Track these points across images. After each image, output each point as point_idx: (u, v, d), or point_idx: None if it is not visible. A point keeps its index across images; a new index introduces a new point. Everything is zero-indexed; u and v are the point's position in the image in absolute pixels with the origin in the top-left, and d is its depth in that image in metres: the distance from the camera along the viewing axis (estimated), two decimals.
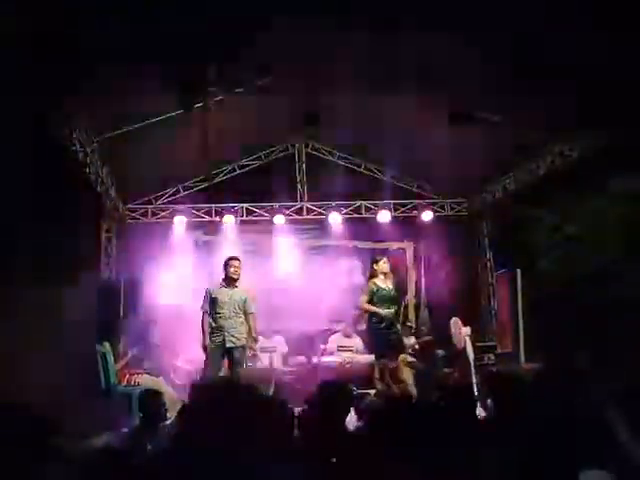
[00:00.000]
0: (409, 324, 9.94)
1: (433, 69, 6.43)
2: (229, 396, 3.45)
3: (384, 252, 10.71)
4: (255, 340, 7.48)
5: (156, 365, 8.22)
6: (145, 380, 7.65)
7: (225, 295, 7.34)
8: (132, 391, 6.82)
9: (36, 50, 4.92)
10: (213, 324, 7.24)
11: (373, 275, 7.80)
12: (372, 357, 8.66)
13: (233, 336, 7.20)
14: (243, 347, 7.30)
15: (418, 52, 6.09)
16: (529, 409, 3.30)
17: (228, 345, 7.17)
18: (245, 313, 7.36)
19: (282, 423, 3.18)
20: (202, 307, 7.38)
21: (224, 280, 7.47)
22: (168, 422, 4.78)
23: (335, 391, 3.40)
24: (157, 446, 3.95)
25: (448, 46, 6.02)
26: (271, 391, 7.52)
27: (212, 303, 7.32)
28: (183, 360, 8.86)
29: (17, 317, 5.65)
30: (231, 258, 7.60)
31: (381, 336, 7.60)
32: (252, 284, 10.50)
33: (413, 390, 7.30)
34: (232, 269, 7.42)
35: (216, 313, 7.27)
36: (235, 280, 7.44)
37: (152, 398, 4.95)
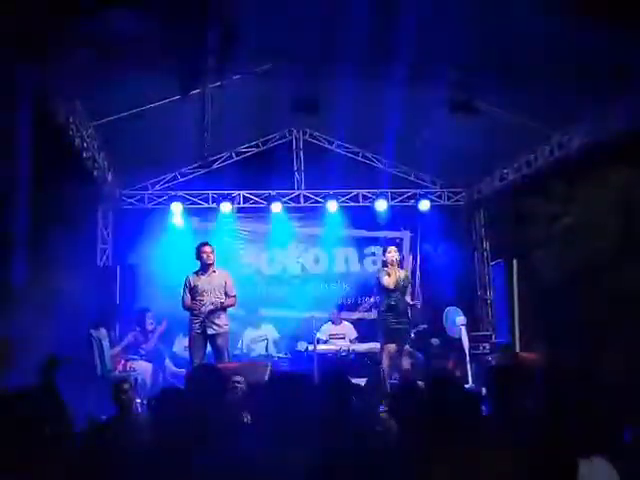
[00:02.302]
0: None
1: (433, 55, 6.40)
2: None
3: (380, 241, 10.77)
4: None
5: (152, 351, 8.21)
6: (140, 366, 7.66)
7: (204, 282, 7.29)
8: (127, 377, 6.83)
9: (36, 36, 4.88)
10: (195, 311, 7.22)
11: (384, 264, 7.80)
12: (367, 345, 8.70)
13: (214, 323, 7.18)
14: (226, 333, 7.29)
15: (418, 38, 6.05)
16: (526, 400, 3.30)
17: (209, 332, 7.13)
18: (227, 296, 7.33)
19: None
20: (183, 299, 7.35)
21: (200, 267, 7.44)
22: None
23: (339, 382, 3.41)
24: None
25: (448, 33, 5.99)
26: (267, 378, 7.53)
27: (192, 291, 7.30)
28: (179, 346, 8.88)
29: (13, 302, 5.64)
30: (202, 244, 7.53)
31: (387, 324, 7.62)
32: (246, 270, 10.58)
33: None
34: (205, 255, 7.36)
35: (197, 300, 7.25)
36: (210, 265, 7.38)
37: (118, 388, 4.85)
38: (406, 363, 7.50)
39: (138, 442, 3.15)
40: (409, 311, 7.80)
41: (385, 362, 7.59)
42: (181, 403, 3.02)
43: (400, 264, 7.86)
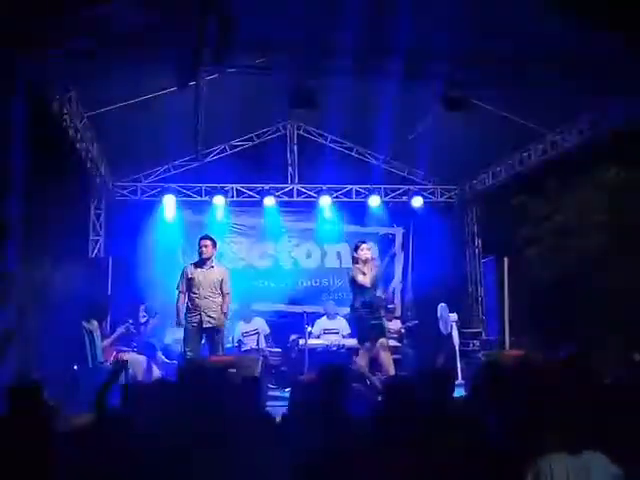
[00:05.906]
0: (391, 306, 9.99)
1: (428, 52, 6.41)
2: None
3: (373, 236, 10.76)
4: (225, 316, 7.37)
5: (143, 343, 8.20)
6: (132, 358, 7.64)
7: (201, 275, 7.28)
8: (118, 369, 6.81)
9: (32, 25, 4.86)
10: (190, 304, 7.21)
11: (355, 261, 7.68)
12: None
13: (210, 316, 7.16)
14: (221, 327, 7.29)
15: (413, 33, 6.05)
16: (512, 394, 3.33)
17: (205, 325, 7.12)
18: (222, 293, 7.33)
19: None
20: (178, 287, 7.34)
21: (198, 260, 7.43)
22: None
23: (335, 374, 3.44)
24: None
25: (444, 30, 6.00)
26: (257, 373, 7.54)
27: (188, 283, 7.29)
28: (170, 338, 8.87)
29: (4, 292, 5.62)
30: (202, 237, 7.51)
31: (363, 321, 7.61)
32: (239, 264, 10.58)
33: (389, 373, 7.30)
34: (203, 249, 7.34)
35: (192, 293, 7.21)
36: (207, 259, 7.36)
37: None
38: (387, 358, 7.47)
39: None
40: (381, 307, 7.79)
41: (362, 360, 7.56)
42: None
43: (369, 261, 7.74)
